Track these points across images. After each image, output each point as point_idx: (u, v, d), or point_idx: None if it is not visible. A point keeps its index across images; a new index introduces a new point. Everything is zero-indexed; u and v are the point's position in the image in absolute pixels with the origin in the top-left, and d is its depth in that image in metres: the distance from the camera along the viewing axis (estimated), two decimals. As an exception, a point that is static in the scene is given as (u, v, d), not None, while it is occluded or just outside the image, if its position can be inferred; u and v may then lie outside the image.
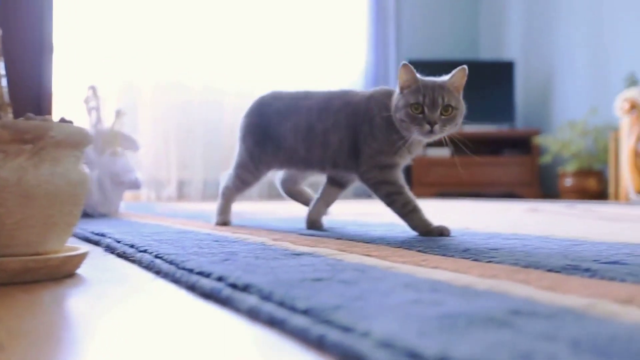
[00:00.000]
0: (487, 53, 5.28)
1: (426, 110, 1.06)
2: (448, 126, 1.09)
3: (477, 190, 4.62)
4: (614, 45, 4.28)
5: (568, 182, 4.25)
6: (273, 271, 0.65)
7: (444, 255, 0.82)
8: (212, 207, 2.58)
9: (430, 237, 1.10)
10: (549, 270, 0.67)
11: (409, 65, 1.09)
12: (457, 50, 5.22)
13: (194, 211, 2.25)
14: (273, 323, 0.47)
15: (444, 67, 4.99)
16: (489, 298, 0.51)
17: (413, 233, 1.17)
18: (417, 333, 0.39)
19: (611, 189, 3.89)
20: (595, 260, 0.76)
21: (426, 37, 5.12)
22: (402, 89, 1.10)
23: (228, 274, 0.62)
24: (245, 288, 0.56)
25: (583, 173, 4.20)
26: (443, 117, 1.07)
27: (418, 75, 1.10)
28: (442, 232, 1.12)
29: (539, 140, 4.40)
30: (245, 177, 1.36)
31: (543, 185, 4.70)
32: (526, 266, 0.70)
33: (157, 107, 4.10)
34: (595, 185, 4.19)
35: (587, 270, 0.67)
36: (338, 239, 1.05)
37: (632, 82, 3.95)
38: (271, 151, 1.30)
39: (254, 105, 1.37)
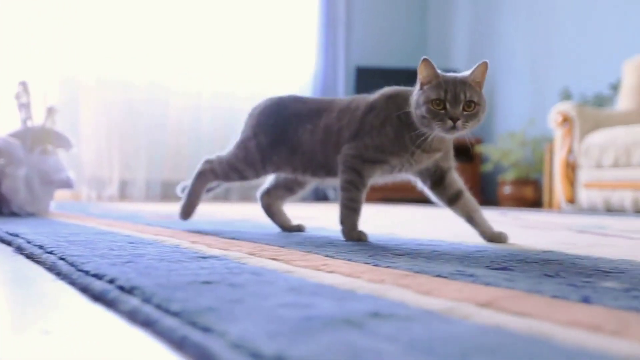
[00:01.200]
0: (434, 61, 5.40)
1: (448, 106, 1.04)
2: (470, 122, 1.06)
3: (420, 196, 4.72)
4: (551, 60, 4.48)
5: (507, 190, 4.40)
6: (169, 274, 0.67)
7: (348, 260, 0.85)
8: (152, 208, 2.56)
9: (350, 239, 1.14)
10: (437, 276, 0.71)
11: (429, 60, 1.07)
12: (406, 58, 5.33)
13: (130, 212, 2.22)
14: (148, 324, 0.48)
15: (392, 74, 5.17)
16: (362, 301, 0.54)
17: (333, 237, 1.20)
18: (269, 335, 0.41)
19: (545, 198, 4.05)
20: (486, 266, 0.80)
21: (376, 44, 5.20)
22: (422, 84, 1.09)
23: (120, 277, 0.63)
24: (131, 290, 0.57)
25: (521, 182, 4.37)
26: (465, 112, 1.05)
27: (439, 71, 1.08)
28: (360, 237, 1.16)
29: (480, 148, 4.55)
30: (246, 173, 1.32)
31: (484, 193, 4.86)
32: (418, 272, 0.74)
33: (99, 104, 4.00)
34: (531, 194, 4.36)
35: (470, 275, 0.71)
36: (258, 242, 1.07)
37: (566, 95, 4.14)
38: (285, 154, 1.27)
39: (269, 104, 1.33)
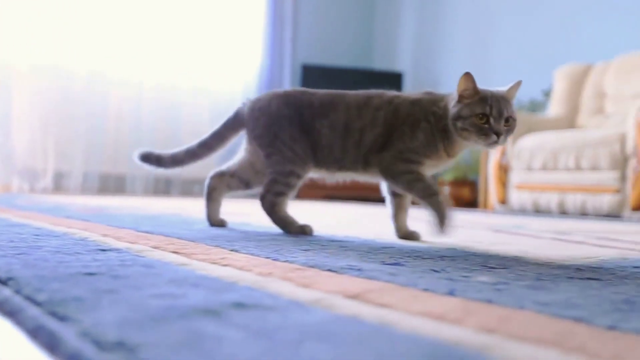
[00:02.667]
0: (380, 63, 5.50)
1: (492, 121, 1.08)
2: (507, 136, 1.11)
3: (365, 195, 4.80)
4: (490, 65, 4.64)
5: (446, 190, 4.53)
6: (57, 266, 0.67)
7: (251, 254, 0.86)
8: (85, 201, 2.49)
9: (445, 224, 1.12)
10: (327, 270, 0.74)
11: (471, 74, 1.10)
12: (353, 58, 5.40)
13: (57, 204, 2.16)
14: (12, 314, 0.48)
15: (339, 73, 5.19)
16: (236, 293, 0.56)
17: (252, 232, 1.21)
18: (120, 323, 0.42)
19: (481, 198, 4.20)
20: (381, 262, 0.84)
21: (322, 43, 5.24)
22: (461, 97, 1.12)
23: (2, 267, 0.62)
24: (6, 281, 0.57)
25: (459, 182, 4.50)
26: (505, 127, 1.09)
27: (479, 86, 1.11)
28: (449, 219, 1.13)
29: (421, 149, 4.66)
30: (298, 170, 1.24)
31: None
32: (312, 266, 0.76)
33: (33, 91, 3.86)
34: (468, 194, 4.50)
35: (358, 270, 0.74)
36: (169, 236, 1.07)
37: (502, 100, 4.28)
38: (306, 149, 1.24)
39: (275, 97, 1.27)
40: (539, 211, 3.51)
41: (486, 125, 1.08)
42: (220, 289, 0.57)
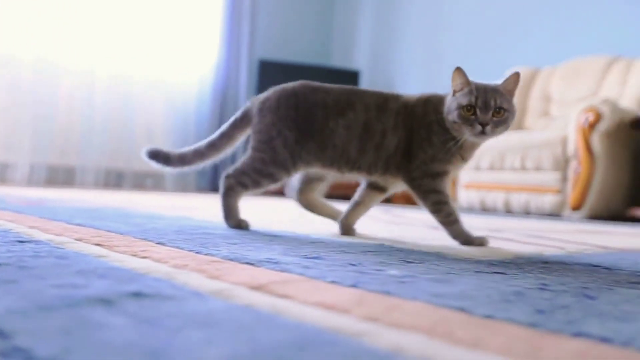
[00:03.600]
0: (337, 61, 5.54)
1: (478, 112, 1.09)
2: (499, 128, 1.11)
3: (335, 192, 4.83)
4: (444, 65, 4.74)
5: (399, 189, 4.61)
6: (-35, 256, 0.66)
7: (177, 247, 0.87)
8: (27, 193, 2.42)
9: (473, 245, 1.16)
10: (246, 263, 0.75)
11: (461, 68, 1.12)
12: (310, 55, 5.41)
13: (-5, 196, 2.10)
14: None
15: (296, 70, 5.19)
16: (140, 283, 0.57)
17: (185, 226, 1.22)
18: (9, 312, 0.43)
19: (432, 196, 4.29)
20: (303, 256, 0.86)
21: (281, 39, 5.24)
22: (454, 92, 1.14)
23: None
24: None
25: (411, 180, 4.59)
26: (495, 118, 1.10)
27: (470, 79, 1.13)
28: (482, 242, 1.17)
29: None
30: (278, 175, 1.23)
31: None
32: (232, 259, 0.78)
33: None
34: (421, 192, 4.59)
35: (276, 263, 0.76)
36: (100, 229, 1.07)
37: (454, 101, 4.38)
38: (314, 149, 1.22)
39: (284, 95, 1.25)
40: (485, 210, 3.62)
41: (472, 117, 1.10)
42: (126, 280, 0.58)
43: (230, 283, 0.60)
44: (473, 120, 1.10)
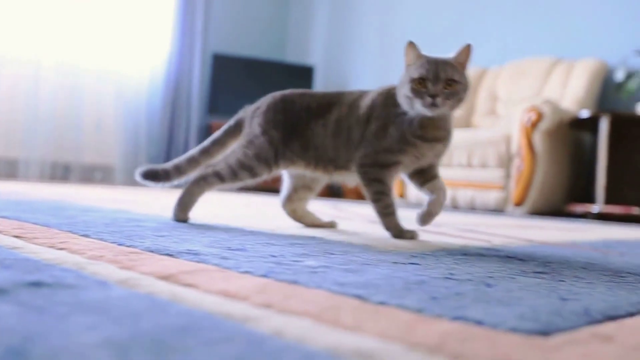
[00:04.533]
0: (292, 56, 5.54)
1: (429, 84, 1.09)
2: (451, 100, 1.11)
3: (275, 187, 4.83)
4: (397, 62, 4.81)
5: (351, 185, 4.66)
6: None
7: (100, 239, 0.87)
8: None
9: (404, 239, 1.18)
10: (166, 254, 0.76)
11: (414, 43, 1.13)
12: (265, 50, 5.40)
13: None
14: None
15: (251, 64, 5.17)
16: (44, 273, 0.57)
17: (119, 219, 1.21)
18: None
19: (383, 192, 4.36)
20: (227, 247, 0.87)
21: (235, 33, 5.20)
22: (408, 66, 1.15)
23: None
24: None
25: (364, 176, 4.65)
26: (446, 90, 1.10)
27: (423, 53, 1.14)
28: (412, 236, 1.20)
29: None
30: (258, 170, 1.25)
31: (331, 186, 5.09)
32: (153, 250, 0.79)
33: None
34: (373, 188, 4.66)
35: (195, 254, 0.77)
36: (24, 221, 1.05)
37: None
38: (298, 149, 1.25)
39: (273, 101, 1.29)
40: (433, 205, 3.70)
41: (423, 89, 1.10)
42: (31, 271, 0.58)
43: (140, 273, 0.61)
44: (424, 92, 1.10)
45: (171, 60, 4.58)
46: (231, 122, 1.34)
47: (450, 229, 1.66)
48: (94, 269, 0.62)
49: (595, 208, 3.16)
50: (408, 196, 3.83)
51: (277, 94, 1.32)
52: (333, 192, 4.99)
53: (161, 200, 2.30)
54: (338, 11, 5.32)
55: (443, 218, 2.27)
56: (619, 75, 3.43)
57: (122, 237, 0.91)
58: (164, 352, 0.35)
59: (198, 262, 0.71)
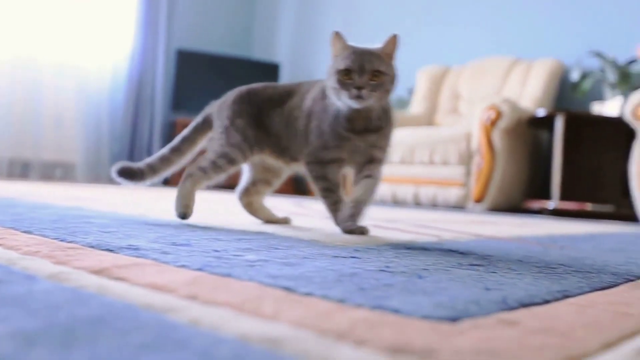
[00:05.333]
0: (258, 53, 5.53)
1: (355, 75, 1.09)
2: (378, 92, 1.10)
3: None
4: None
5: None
6: None
7: (43, 235, 0.86)
8: None
9: (354, 233, 1.17)
10: (106, 249, 0.76)
11: (340, 33, 1.11)
12: (230, 46, 5.37)
13: None
14: None
15: (216, 61, 5.15)
16: (-26, 268, 0.57)
17: (67, 215, 1.20)
18: None
19: (349, 189, 4.39)
20: (172, 243, 0.88)
21: (200, 29, 5.16)
22: (334, 57, 1.13)
23: None
24: None
25: (329, 173, 4.67)
26: (372, 82, 1.09)
27: (350, 43, 1.12)
28: (363, 231, 1.19)
29: (295, 140, 4.78)
30: (234, 155, 1.26)
31: (297, 184, 5.10)
32: (94, 246, 0.79)
33: None
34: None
35: (136, 249, 0.77)
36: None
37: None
38: (262, 136, 1.27)
39: (239, 94, 1.30)
40: (397, 202, 3.75)
41: (349, 81, 1.09)
42: (-40, 265, 0.58)
43: (73, 268, 0.61)
44: (349, 84, 1.09)
45: (134, 55, 4.51)
46: (199, 119, 1.35)
47: (404, 224, 1.69)
48: (26, 264, 0.62)
49: (551, 204, 3.25)
50: (372, 193, 3.86)
51: (243, 87, 1.34)
52: (298, 189, 5.00)
53: (120, 197, 2.28)
54: (304, 8, 5.33)
55: (400, 214, 2.30)
56: (575, 76, 3.54)
57: (65, 233, 0.91)
58: (71, 341, 0.35)
59: (137, 256, 0.72)
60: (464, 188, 3.47)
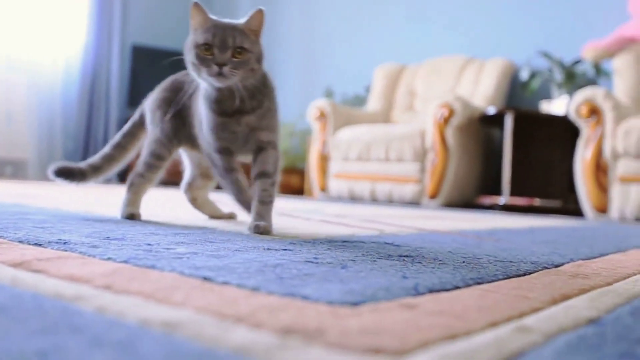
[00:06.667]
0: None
1: (216, 51, 1.01)
2: (241, 69, 1.03)
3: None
4: (322, 58, 4.88)
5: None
6: None
7: (-28, 231, 0.86)
8: None
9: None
10: (35, 244, 0.76)
11: (200, 4, 1.04)
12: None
13: None
14: None
15: (172, 57, 5.01)
16: None
17: (7, 213, 1.18)
18: None
19: (307, 186, 4.42)
20: (106, 237, 0.88)
21: (155, 25, 5.09)
22: (194, 31, 1.05)
23: None
24: None
25: (288, 170, 4.69)
26: (235, 59, 1.02)
27: (212, 16, 1.05)
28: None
29: (254, 137, 4.77)
30: (159, 151, 1.23)
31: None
32: (22, 241, 0.78)
33: None
34: (298, 182, 4.71)
35: (65, 243, 0.77)
36: None
37: (328, 93, 4.55)
38: (179, 126, 1.23)
39: (164, 82, 1.28)
40: (354, 198, 3.80)
41: (210, 57, 1.02)
42: None
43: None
44: (210, 60, 1.02)
45: (87, 50, 4.43)
46: (136, 113, 1.34)
47: (351, 220, 1.72)
48: (-55, 258, 0.62)
49: (501, 200, 3.35)
50: (329, 190, 3.91)
51: (174, 75, 1.30)
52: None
53: (70, 195, 2.24)
54: (261, 3, 5.33)
55: (352, 210, 2.34)
56: (524, 75, 3.65)
57: (16, 231, 0.90)
58: (-35, 328, 0.36)
59: (64, 250, 0.72)
60: (419, 184, 3.54)
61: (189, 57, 1.05)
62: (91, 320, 0.40)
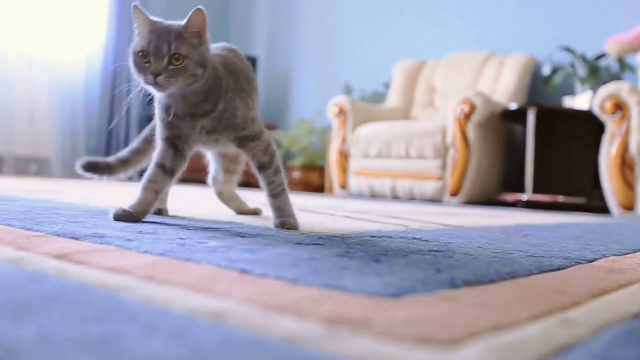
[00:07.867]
0: (235, 46, 5.51)
1: (151, 59, 0.96)
2: (179, 77, 0.97)
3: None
4: (339, 55, 4.87)
5: (296, 175, 4.70)
6: None
7: (8, 225, 0.87)
8: None
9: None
10: (72, 237, 0.77)
11: (139, 7, 0.98)
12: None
13: None
14: None
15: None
16: None
17: (38, 207, 1.20)
18: None
19: (327, 183, 4.42)
20: (139, 231, 0.89)
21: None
22: (137, 34, 1.00)
23: None
24: None
25: (308, 167, 4.70)
26: (172, 67, 0.96)
27: (153, 19, 0.99)
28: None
29: (274, 135, 4.78)
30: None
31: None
32: (59, 234, 0.80)
33: None
34: (317, 179, 4.71)
35: (101, 237, 0.79)
36: None
37: (347, 90, 4.54)
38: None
39: None
40: (374, 195, 3.79)
41: (147, 64, 0.96)
42: None
43: (35, 253, 0.63)
44: (146, 68, 0.96)
45: (108, 48, 4.47)
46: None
47: (374, 216, 1.72)
48: (-12, 250, 0.63)
49: (524, 197, 3.32)
50: (349, 187, 3.90)
51: None
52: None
53: (96, 191, 2.28)
54: (279, 7, 5.33)
55: (374, 207, 2.34)
56: (546, 70, 3.60)
57: (32, 223, 0.91)
58: (24, 314, 0.37)
59: (101, 243, 0.73)
60: (440, 181, 3.52)
61: (130, 64, 1.00)
62: (140, 309, 0.41)
